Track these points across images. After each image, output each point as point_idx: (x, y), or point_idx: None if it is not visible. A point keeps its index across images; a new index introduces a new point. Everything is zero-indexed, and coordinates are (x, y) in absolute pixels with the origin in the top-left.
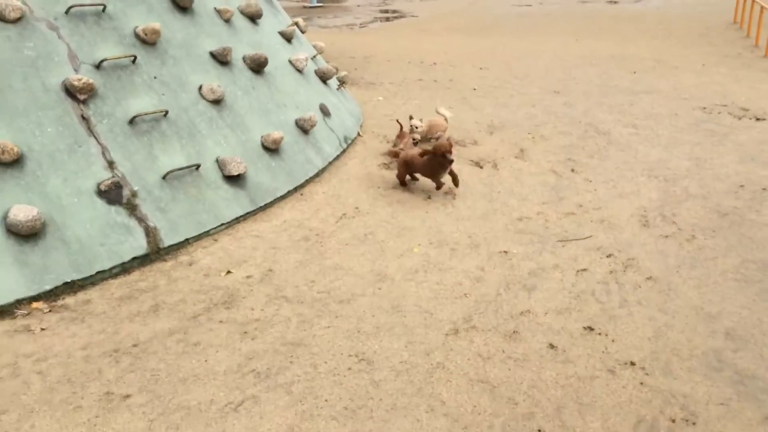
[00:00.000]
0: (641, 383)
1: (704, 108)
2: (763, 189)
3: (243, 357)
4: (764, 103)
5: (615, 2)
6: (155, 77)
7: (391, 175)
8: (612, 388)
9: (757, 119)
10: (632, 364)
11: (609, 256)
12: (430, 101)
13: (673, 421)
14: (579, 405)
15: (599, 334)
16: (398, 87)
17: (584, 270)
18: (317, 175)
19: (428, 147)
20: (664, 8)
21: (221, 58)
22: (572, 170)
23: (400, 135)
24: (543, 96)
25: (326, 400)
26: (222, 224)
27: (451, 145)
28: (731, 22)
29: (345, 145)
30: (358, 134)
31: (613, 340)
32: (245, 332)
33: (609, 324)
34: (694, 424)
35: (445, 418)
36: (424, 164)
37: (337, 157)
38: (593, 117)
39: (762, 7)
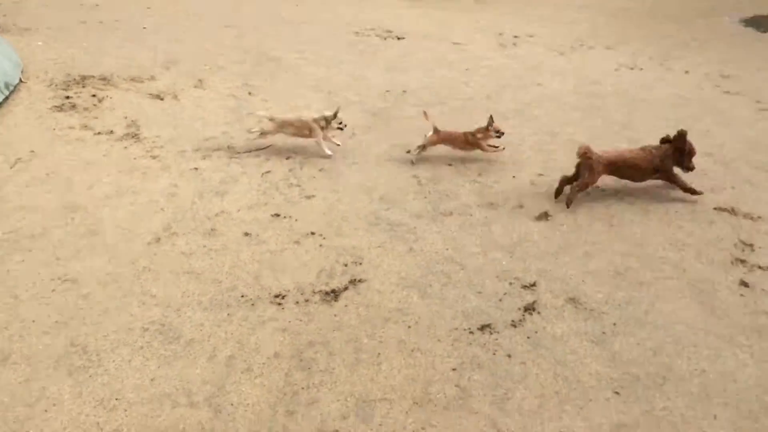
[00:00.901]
0: (320, 245)
1: (357, 32)
2: (403, 91)
3: None
4: (403, 25)
5: None
6: None
7: (78, 118)
8: (298, 253)
9: (398, 38)
10: (312, 233)
11: (288, 158)
12: (98, 44)
13: (345, 265)
14: (273, 271)
15: (285, 217)
16: (58, 31)
17: (268, 172)
18: None
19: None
20: None
21: None
22: (249, 93)
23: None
24: (215, 31)
25: (34, 321)
26: None
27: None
28: None
29: (7, 92)
30: (21, 80)
31: (296, 220)
32: None
33: (292, 209)
34: (360, 264)
35: (158, 306)
36: (650, 163)
37: (0, 105)
38: (264, 46)
39: None
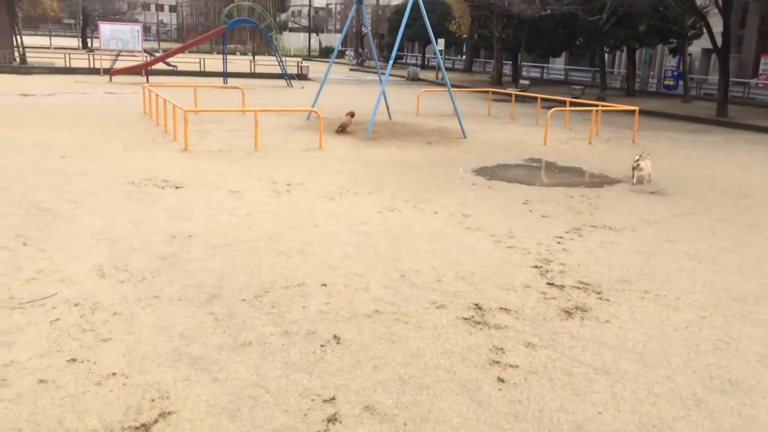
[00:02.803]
0: (124, 384)
1: (133, 182)
2: (189, 236)
3: None
4: (179, 175)
5: (27, 95)
6: None
7: None
8: (101, 394)
9: (177, 187)
10: (114, 374)
11: (77, 305)
12: None
13: (153, 400)
14: (76, 414)
15: (82, 362)
16: None
17: (57, 320)
18: None
19: None
20: (78, 102)
21: None
22: (24, 244)
23: None
24: None
25: None
26: None
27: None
28: (142, 113)
29: None
30: None
31: (95, 363)
32: None
33: (89, 353)
34: (167, 398)
35: None
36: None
37: None
38: (32, 197)
39: (165, 100)
